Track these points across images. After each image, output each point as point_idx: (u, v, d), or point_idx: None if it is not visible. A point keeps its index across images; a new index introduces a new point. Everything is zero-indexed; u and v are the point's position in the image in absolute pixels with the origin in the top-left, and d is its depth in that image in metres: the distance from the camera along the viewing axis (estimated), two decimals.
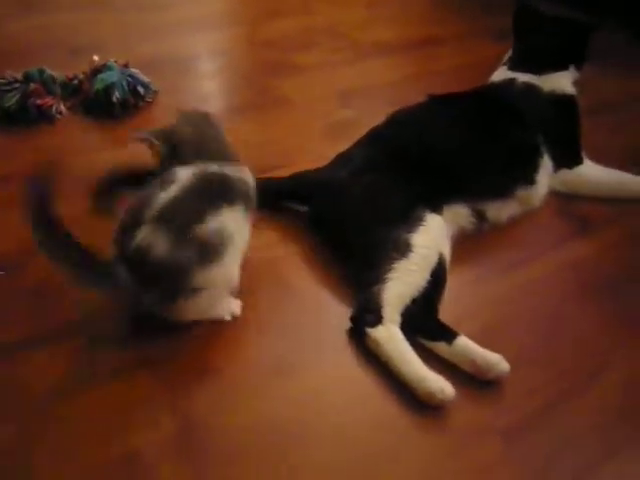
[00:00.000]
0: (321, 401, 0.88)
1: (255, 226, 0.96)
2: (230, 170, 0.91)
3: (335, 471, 0.81)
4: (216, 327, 0.94)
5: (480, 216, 1.14)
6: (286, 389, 0.88)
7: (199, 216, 0.84)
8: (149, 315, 0.88)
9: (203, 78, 1.59)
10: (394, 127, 1.19)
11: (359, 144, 1.17)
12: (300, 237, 1.12)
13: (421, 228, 1.00)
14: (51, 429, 0.81)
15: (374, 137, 1.17)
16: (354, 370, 0.92)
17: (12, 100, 1.31)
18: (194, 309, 0.89)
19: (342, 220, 1.05)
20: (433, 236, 1.01)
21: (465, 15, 2.03)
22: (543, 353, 0.99)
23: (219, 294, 0.91)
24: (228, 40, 1.75)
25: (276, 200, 1.15)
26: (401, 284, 0.95)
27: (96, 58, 1.53)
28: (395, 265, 0.96)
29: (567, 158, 1.27)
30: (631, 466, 0.86)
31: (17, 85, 1.34)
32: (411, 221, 1.01)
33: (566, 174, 1.26)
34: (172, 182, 0.85)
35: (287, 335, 0.96)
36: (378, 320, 0.92)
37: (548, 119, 1.26)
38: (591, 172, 1.28)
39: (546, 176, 1.24)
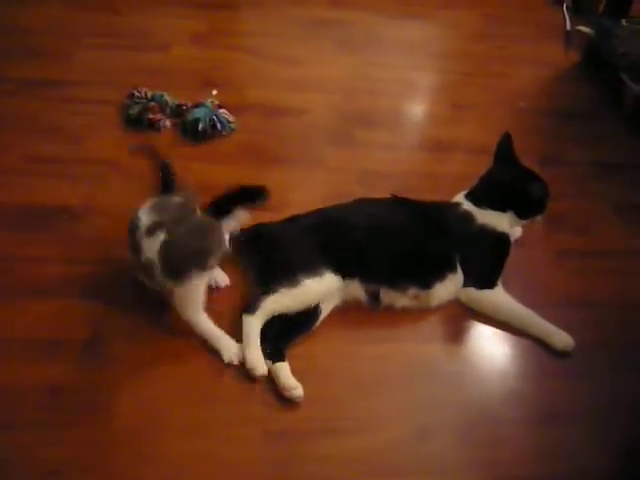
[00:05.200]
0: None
1: None
2: None
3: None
4: None
5: (374, 296, 1.49)
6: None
7: None
8: None
9: (277, 127, 2.07)
10: (344, 208, 1.58)
11: (310, 213, 1.58)
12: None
13: (316, 278, 1.42)
14: None
15: (322, 210, 1.59)
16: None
17: (135, 110, 1.94)
18: None
19: (269, 253, 1.51)
20: (322, 289, 1.42)
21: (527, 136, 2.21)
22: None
23: None
24: (319, 102, 2.20)
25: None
26: (277, 300, 1.40)
27: (215, 92, 2.12)
28: (281, 289, 1.40)
29: (477, 280, 1.54)
30: None
31: (143, 100, 1.96)
32: (312, 271, 1.42)
33: (471, 292, 1.54)
34: None
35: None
36: (251, 312, 1.39)
37: (469, 244, 1.55)
38: (496, 299, 1.53)
39: (452, 286, 1.53)
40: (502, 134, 1.61)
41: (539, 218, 1.61)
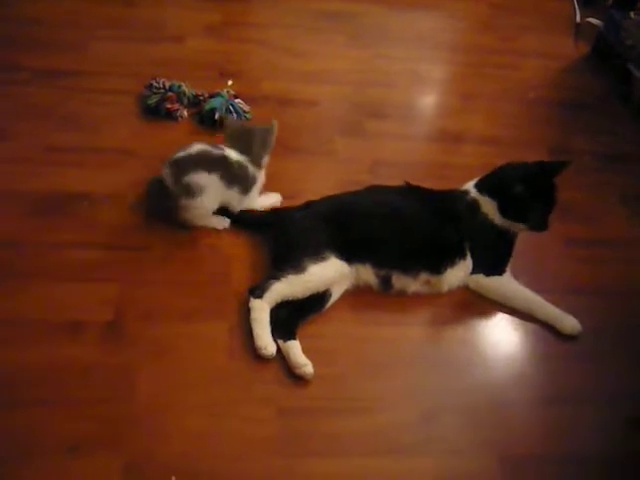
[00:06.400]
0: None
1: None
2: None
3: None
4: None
5: (386, 281, 1.53)
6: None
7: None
8: None
9: (291, 118, 2.11)
10: (358, 195, 1.62)
11: (324, 199, 1.62)
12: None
13: (321, 264, 1.46)
14: None
15: (336, 197, 1.62)
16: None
17: (153, 100, 1.98)
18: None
19: (281, 239, 1.55)
20: (327, 274, 1.46)
21: (535, 124, 2.25)
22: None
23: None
24: (330, 94, 2.25)
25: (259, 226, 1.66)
26: (284, 287, 1.44)
27: (230, 82, 2.16)
28: (288, 276, 1.44)
29: (485, 267, 1.58)
30: None
31: (161, 90, 2.00)
32: (317, 256, 1.46)
33: (480, 278, 1.58)
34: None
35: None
36: (259, 296, 1.42)
37: (475, 232, 1.58)
38: (504, 286, 1.57)
39: (462, 272, 1.57)
40: (565, 161, 1.56)
41: (529, 230, 1.59)
